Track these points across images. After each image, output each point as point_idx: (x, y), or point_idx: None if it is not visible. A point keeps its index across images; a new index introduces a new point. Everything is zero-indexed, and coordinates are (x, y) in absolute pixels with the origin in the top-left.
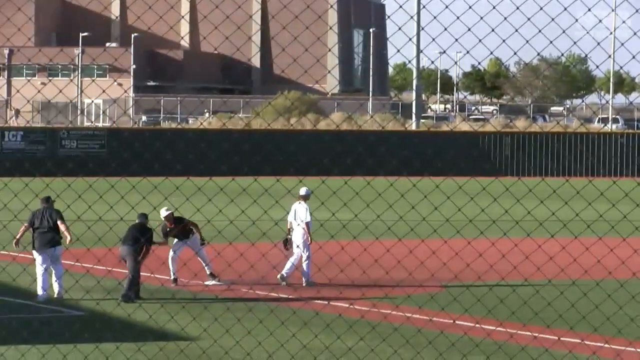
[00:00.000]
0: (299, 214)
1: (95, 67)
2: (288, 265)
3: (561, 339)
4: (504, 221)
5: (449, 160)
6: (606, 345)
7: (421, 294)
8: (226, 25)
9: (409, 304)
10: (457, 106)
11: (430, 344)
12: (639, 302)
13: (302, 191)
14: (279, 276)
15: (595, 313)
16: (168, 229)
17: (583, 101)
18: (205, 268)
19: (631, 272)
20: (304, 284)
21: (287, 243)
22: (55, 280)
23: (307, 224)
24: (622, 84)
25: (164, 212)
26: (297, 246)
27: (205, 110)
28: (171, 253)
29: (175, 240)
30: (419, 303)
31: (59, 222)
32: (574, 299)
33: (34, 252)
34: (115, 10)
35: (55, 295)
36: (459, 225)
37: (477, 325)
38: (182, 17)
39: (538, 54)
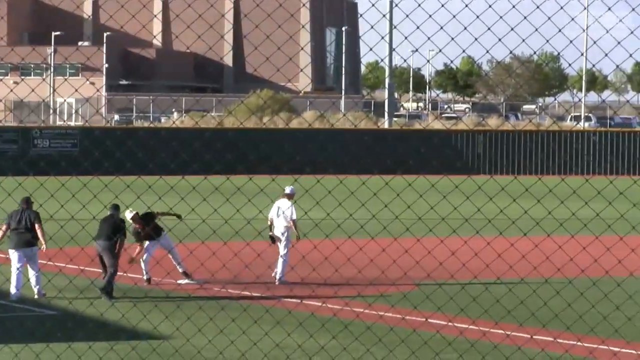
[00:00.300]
0: (282, 212)
1: (68, 66)
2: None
3: (534, 337)
4: (476, 219)
5: (421, 159)
6: (579, 344)
7: (394, 292)
8: (198, 24)
9: (382, 302)
10: (430, 104)
11: (403, 343)
12: (611, 300)
13: (287, 189)
14: (277, 282)
15: (568, 311)
16: (140, 232)
17: (555, 99)
18: (178, 267)
19: (604, 270)
20: (276, 282)
21: (274, 240)
22: (34, 285)
23: (293, 221)
24: (595, 82)
25: (129, 215)
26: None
27: (174, 110)
28: (144, 254)
29: (147, 242)
30: (391, 301)
31: (36, 225)
32: (546, 297)
33: (10, 251)
34: (87, 10)
35: (36, 296)
36: (432, 223)
37: (450, 324)
38: (155, 16)
39: (511, 52)
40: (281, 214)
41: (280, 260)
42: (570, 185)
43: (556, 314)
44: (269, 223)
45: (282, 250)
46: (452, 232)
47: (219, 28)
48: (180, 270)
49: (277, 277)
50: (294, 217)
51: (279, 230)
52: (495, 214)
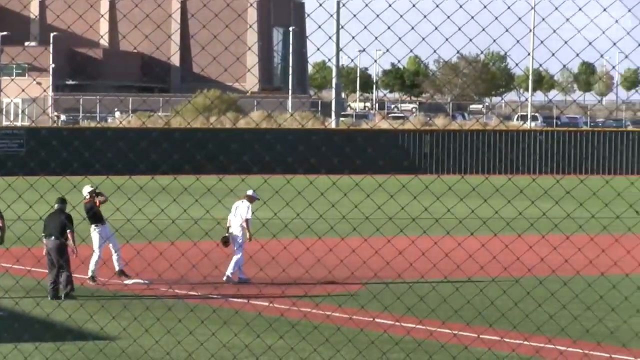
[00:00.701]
0: (239, 211)
1: (14, 66)
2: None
3: (480, 336)
4: (423, 219)
5: (368, 158)
6: (525, 343)
7: (341, 292)
8: (146, 24)
9: (329, 302)
10: (377, 104)
11: (350, 342)
12: (558, 299)
13: (250, 192)
14: (224, 278)
15: (515, 310)
16: (93, 206)
17: (502, 99)
18: (116, 263)
19: (550, 269)
20: (224, 279)
21: (227, 241)
22: None
23: (246, 220)
24: (541, 81)
25: (88, 188)
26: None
27: (116, 109)
28: (97, 255)
29: (95, 236)
30: (338, 301)
31: None
32: (493, 296)
33: None
34: (34, 10)
35: None
36: (379, 223)
37: (397, 323)
38: (102, 16)
39: (457, 52)
40: (238, 214)
41: (234, 259)
42: (517, 184)
43: (503, 313)
44: (227, 225)
45: (236, 249)
46: (399, 232)
47: (166, 28)
48: (117, 267)
49: (227, 273)
50: (248, 216)
51: (235, 229)
52: (442, 214)
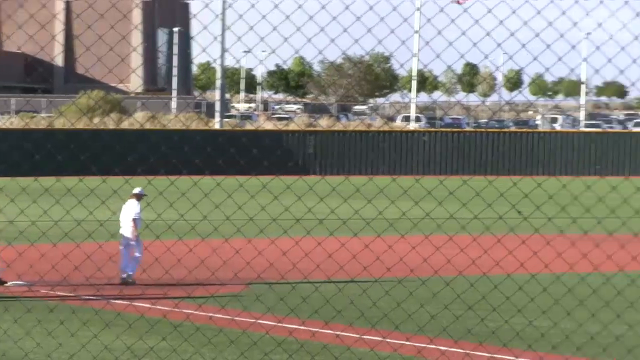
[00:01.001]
0: (127, 211)
1: None
2: (129, 264)
3: (363, 336)
4: (307, 220)
5: (252, 159)
6: (407, 343)
7: (224, 293)
8: (30, 25)
9: (212, 303)
10: (261, 105)
11: (233, 344)
12: (440, 300)
13: (136, 190)
14: (124, 275)
15: (398, 311)
16: None
17: (387, 100)
18: None
19: (433, 269)
20: (124, 276)
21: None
22: None
23: (133, 220)
24: (425, 82)
25: None
26: (128, 243)
27: None
28: None
29: None
30: (222, 303)
31: None
32: (376, 297)
33: None
34: None
35: None
36: (263, 224)
37: (280, 324)
38: None
39: (343, 53)
40: (127, 214)
41: (133, 258)
42: (401, 185)
43: (385, 313)
44: (120, 225)
45: (136, 248)
46: (283, 233)
47: (50, 28)
48: None
49: (129, 272)
50: (134, 216)
51: (127, 230)
52: (326, 214)
